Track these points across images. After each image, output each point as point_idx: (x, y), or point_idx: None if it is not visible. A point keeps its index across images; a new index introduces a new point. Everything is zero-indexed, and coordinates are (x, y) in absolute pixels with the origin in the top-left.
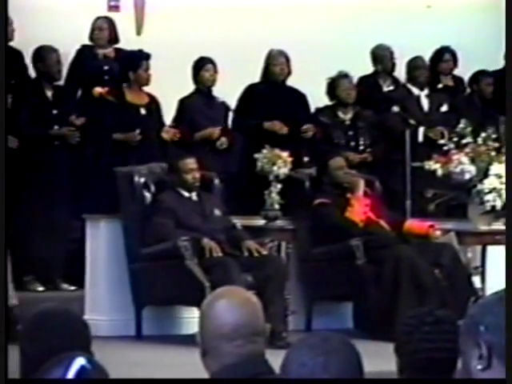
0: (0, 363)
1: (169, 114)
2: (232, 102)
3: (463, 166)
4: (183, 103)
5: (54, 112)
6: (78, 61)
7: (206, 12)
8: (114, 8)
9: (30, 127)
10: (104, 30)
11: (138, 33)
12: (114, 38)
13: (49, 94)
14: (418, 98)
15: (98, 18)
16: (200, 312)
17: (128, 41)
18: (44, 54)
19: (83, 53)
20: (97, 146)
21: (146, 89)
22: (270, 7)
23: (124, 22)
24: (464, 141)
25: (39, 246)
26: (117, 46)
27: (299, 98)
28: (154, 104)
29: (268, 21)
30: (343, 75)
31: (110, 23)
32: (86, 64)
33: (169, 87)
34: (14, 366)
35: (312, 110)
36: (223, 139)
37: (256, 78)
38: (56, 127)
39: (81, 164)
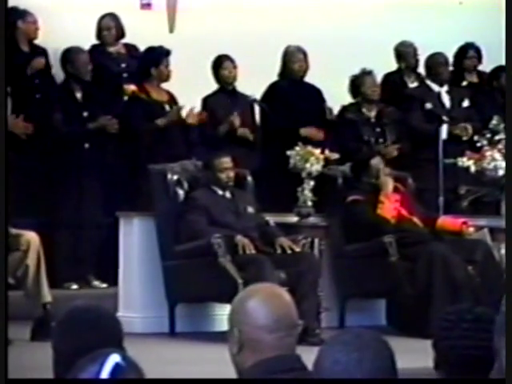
0: (0, 363)
1: None
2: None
3: (496, 162)
4: (207, 101)
5: (85, 114)
6: (92, 61)
7: (237, 9)
8: (147, 6)
9: (65, 126)
10: (112, 28)
11: (171, 30)
12: (120, 35)
13: (78, 95)
14: (438, 95)
15: (104, 17)
16: (232, 309)
17: (160, 38)
18: (72, 56)
19: (95, 52)
20: (128, 143)
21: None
22: (295, 4)
23: (156, 20)
24: (497, 137)
25: (72, 244)
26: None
27: (317, 93)
28: (173, 101)
29: (296, 17)
30: (367, 72)
31: (116, 20)
32: (101, 64)
33: (203, 83)
34: (48, 363)
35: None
36: (245, 130)
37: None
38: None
39: (114, 162)
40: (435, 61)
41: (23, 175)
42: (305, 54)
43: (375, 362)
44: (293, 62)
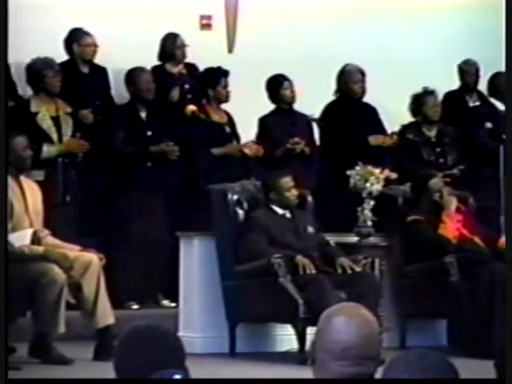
0: (0, 363)
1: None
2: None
3: None
4: (264, 122)
5: (149, 133)
6: (156, 82)
7: (297, 29)
8: (207, 26)
9: (126, 147)
10: (185, 47)
11: (230, 50)
12: (183, 55)
13: (143, 114)
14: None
15: (176, 36)
16: (318, 322)
17: (219, 58)
18: (135, 75)
19: (158, 73)
20: (189, 164)
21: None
22: (351, 22)
23: (215, 40)
24: None
25: (135, 264)
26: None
27: (374, 112)
28: (231, 121)
29: (349, 35)
30: (429, 92)
31: (181, 40)
32: (165, 85)
33: (262, 103)
34: None
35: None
36: (306, 148)
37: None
38: (152, 148)
39: (174, 181)
40: (499, 79)
41: (86, 195)
42: (363, 74)
43: None
44: (353, 82)
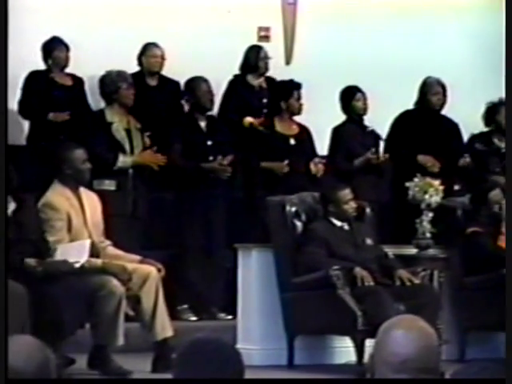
0: (0, 363)
1: (321, 143)
2: (383, 127)
3: None
4: (337, 132)
5: (209, 143)
6: (234, 92)
7: (355, 39)
8: (265, 38)
9: (183, 159)
10: (267, 58)
11: (287, 62)
12: (265, 68)
13: (202, 124)
14: None
15: (260, 48)
16: (377, 335)
17: (277, 70)
18: (195, 85)
19: (237, 84)
20: (248, 175)
21: (297, 118)
22: (423, 33)
23: (273, 52)
24: None
25: (194, 276)
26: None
27: (453, 127)
28: (304, 134)
29: (421, 46)
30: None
31: (266, 52)
32: (244, 96)
33: (320, 115)
34: None
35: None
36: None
37: (407, 103)
38: (211, 158)
39: (232, 193)
40: None
41: (151, 206)
42: (443, 87)
43: None
44: (432, 94)
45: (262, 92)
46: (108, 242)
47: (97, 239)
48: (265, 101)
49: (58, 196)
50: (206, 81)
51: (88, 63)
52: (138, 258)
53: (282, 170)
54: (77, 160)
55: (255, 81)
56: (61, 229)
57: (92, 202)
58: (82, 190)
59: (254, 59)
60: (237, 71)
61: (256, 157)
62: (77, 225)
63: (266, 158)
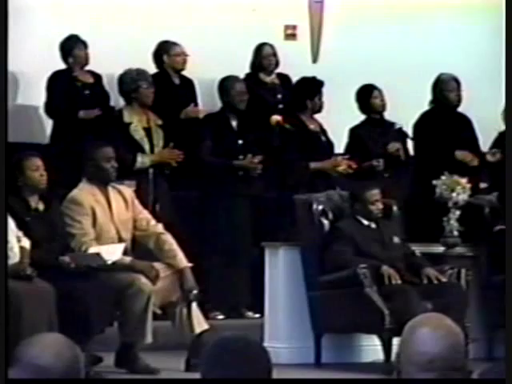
0: (0, 363)
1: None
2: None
3: None
4: (354, 132)
5: (240, 142)
6: (248, 90)
7: (381, 37)
8: (291, 36)
9: (212, 157)
10: (273, 56)
11: (314, 60)
12: (276, 64)
13: (234, 124)
14: None
15: (264, 45)
16: (402, 333)
17: (304, 69)
18: (229, 85)
19: (250, 82)
20: (276, 174)
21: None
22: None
23: (300, 50)
24: None
25: (221, 275)
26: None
27: (469, 123)
28: (326, 131)
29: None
30: None
31: (273, 49)
32: (258, 93)
33: (345, 114)
34: None
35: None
36: (402, 155)
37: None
38: (241, 157)
39: (259, 192)
40: None
41: (174, 205)
42: (458, 83)
43: None
44: (448, 90)
45: (275, 88)
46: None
47: (125, 236)
48: (279, 97)
49: (83, 192)
50: (240, 81)
51: (102, 62)
52: None
53: (335, 168)
54: (101, 158)
55: (267, 78)
56: (85, 223)
57: (121, 199)
58: (111, 188)
59: (257, 57)
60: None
61: (297, 156)
62: (103, 220)
63: (298, 155)
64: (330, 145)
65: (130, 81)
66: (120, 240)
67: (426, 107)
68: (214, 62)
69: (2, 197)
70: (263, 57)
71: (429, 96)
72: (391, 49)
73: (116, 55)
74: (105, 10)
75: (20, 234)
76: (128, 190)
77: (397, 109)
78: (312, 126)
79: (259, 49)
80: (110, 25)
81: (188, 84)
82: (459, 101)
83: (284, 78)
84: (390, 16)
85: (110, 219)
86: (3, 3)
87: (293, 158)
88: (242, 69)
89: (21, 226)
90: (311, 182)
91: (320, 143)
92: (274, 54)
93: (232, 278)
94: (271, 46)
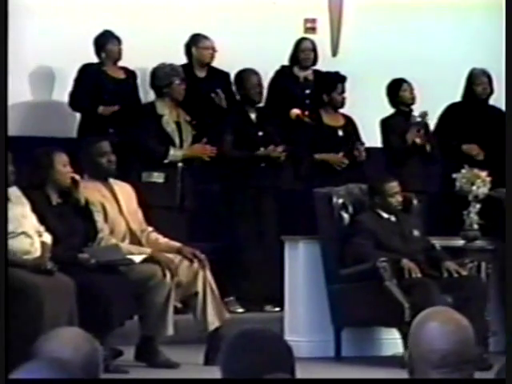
0: (0, 363)
1: (367, 135)
2: (432, 121)
3: None
4: (386, 124)
5: (260, 134)
6: (278, 82)
7: (401, 31)
8: (311, 30)
9: (235, 150)
10: (311, 51)
11: (334, 54)
12: (314, 60)
13: (252, 116)
14: None
15: (303, 40)
16: (411, 329)
17: (324, 62)
18: (245, 77)
19: (283, 74)
20: (296, 167)
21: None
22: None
23: (319, 43)
24: None
25: (241, 268)
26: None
27: (501, 116)
28: (350, 125)
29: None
30: None
31: (313, 45)
32: (287, 87)
33: (366, 107)
34: None
35: None
36: (427, 146)
37: (453, 94)
38: (262, 149)
39: (279, 185)
40: None
41: (201, 199)
42: (489, 78)
43: None
44: (477, 84)
45: (306, 84)
46: (150, 229)
47: (135, 227)
48: (307, 92)
49: (89, 190)
50: (256, 73)
51: (135, 57)
52: (177, 244)
53: (338, 162)
54: (96, 154)
55: (301, 73)
56: (99, 220)
57: (125, 192)
58: (112, 181)
59: (295, 50)
60: (282, 63)
61: (305, 148)
62: (112, 214)
63: (315, 149)
64: (347, 140)
65: (163, 75)
66: (130, 232)
67: (445, 101)
68: (233, 55)
69: (2, 196)
70: (301, 50)
71: (448, 90)
72: (411, 42)
73: (150, 50)
74: (141, 6)
75: (41, 228)
76: (126, 185)
77: (419, 102)
78: (328, 121)
79: (299, 43)
80: (143, 21)
81: (216, 77)
82: (489, 94)
83: (319, 74)
84: (410, 10)
85: (118, 212)
86: (3, 3)
87: (299, 151)
88: (262, 62)
89: (42, 220)
90: (332, 175)
91: (335, 138)
92: (314, 50)
93: (252, 271)
94: (311, 41)
